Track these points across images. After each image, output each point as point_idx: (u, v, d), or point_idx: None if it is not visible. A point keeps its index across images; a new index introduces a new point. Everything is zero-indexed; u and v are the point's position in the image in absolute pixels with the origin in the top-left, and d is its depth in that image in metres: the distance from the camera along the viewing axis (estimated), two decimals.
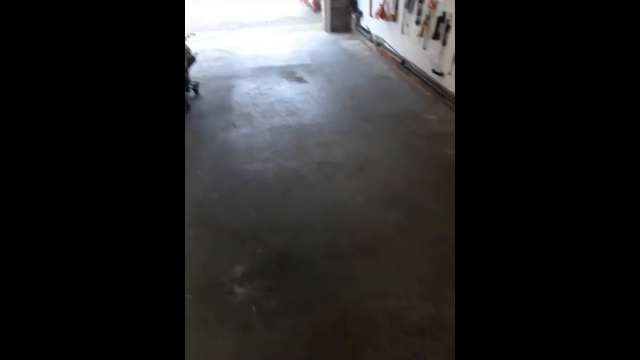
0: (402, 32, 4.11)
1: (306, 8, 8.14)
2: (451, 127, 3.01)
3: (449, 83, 3.32)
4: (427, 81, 3.64)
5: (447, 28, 3.21)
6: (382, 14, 4.48)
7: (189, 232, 2.00)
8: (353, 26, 5.72)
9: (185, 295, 1.64)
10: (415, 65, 3.93)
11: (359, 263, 1.76)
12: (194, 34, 3.74)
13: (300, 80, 4.01)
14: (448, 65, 3.30)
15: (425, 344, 1.41)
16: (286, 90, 3.75)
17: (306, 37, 5.59)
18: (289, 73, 4.18)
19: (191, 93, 3.60)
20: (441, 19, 3.26)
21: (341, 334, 1.44)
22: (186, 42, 3.43)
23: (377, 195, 2.21)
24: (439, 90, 3.46)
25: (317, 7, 7.34)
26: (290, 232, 1.97)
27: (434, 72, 3.51)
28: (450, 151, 2.69)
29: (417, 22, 3.68)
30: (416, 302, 1.57)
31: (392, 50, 4.46)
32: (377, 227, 1.98)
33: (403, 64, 4.14)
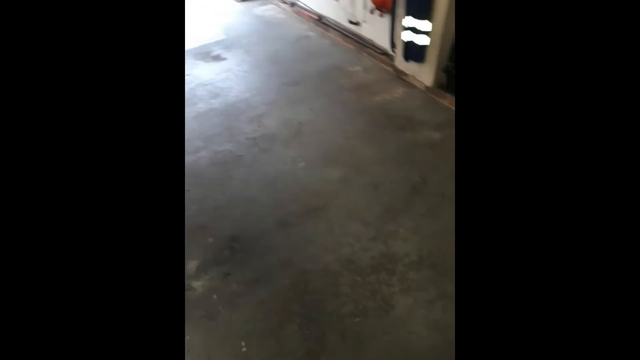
0: None
1: None
2: (376, 75, 3.04)
3: (366, 31, 3.30)
4: (347, 33, 3.59)
5: None
6: None
7: None
8: None
9: None
10: (332, 19, 3.84)
11: (309, 223, 1.79)
12: None
13: (217, 58, 3.76)
14: (361, 13, 3.26)
15: (380, 279, 1.51)
16: (205, 72, 3.51)
17: (216, 11, 5.20)
18: (205, 54, 3.90)
19: None
20: None
21: (303, 293, 1.49)
22: None
23: (316, 157, 2.22)
24: (359, 41, 3.43)
25: None
26: (237, 213, 1.93)
27: (350, 22, 3.46)
28: (378, 98, 2.74)
29: None
30: (367, 244, 1.65)
31: (307, 8, 4.29)
32: (321, 186, 2.01)
33: (320, 20, 4.03)
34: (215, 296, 1.54)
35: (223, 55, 3.80)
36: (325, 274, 1.55)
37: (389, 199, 1.87)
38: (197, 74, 3.50)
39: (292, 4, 4.59)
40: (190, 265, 1.70)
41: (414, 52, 2.65)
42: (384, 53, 3.16)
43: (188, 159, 2.41)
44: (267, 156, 2.30)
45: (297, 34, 4.07)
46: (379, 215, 1.77)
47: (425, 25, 2.44)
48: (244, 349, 1.35)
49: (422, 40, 2.53)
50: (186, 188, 2.16)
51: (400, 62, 2.90)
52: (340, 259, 1.60)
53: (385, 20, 2.97)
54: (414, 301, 1.43)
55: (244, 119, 2.70)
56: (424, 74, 2.72)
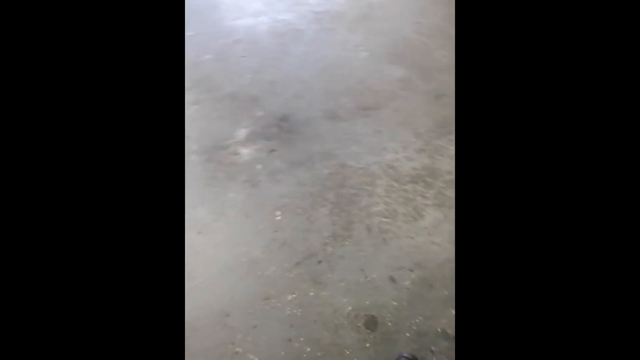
0: None
1: None
2: None
3: None
4: None
5: None
6: None
7: (188, 97, 1.91)
8: None
9: (193, 156, 1.69)
10: None
11: (358, 122, 1.70)
12: None
13: None
14: None
15: (416, 190, 1.49)
16: None
17: None
18: None
19: None
20: None
21: (340, 185, 1.52)
22: None
23: (380, 48, 1.95)
24: None
25: None
26: (290, 93, 1.84)
27: None
28: None
29: None
30: (412, 154, 1.58)
31: None
32: (380, 84, 1.82)
33: None
34: (259, 166, 1.61)
35: None
36: (364, 173, 1.54)
37: (448, 113, 1.69)
38: None
39: None
40: (240, 133, 1.73)
41: None
42: None
43: (247, 22, 2.19)
44: (329, 36, 2.04)
45: None
46: (432, 129, 1.63)
47: None
48: (278, 218, 1.47)
49: None
50: (242, 54, 2.04)
51: None
52: (381, 163, 1.56)
53: None
54: (444, 217, 1.44)
55: None
56: None
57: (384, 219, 1.43)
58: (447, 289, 1.25)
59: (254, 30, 2.14)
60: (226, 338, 1.23)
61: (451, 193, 1.49)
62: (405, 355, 1.15)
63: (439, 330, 1.17)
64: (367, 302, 1.22)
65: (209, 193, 1.57)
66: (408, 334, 1.16)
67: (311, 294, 1.26)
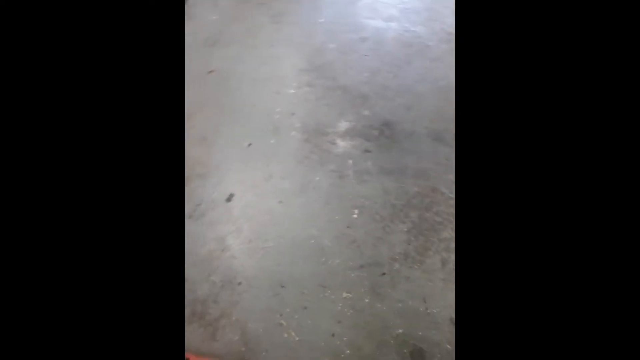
0: None
1: None
2: None
3: None
4: None
5: None
6: None
7: (304, 78, 2.00)
8: None
9: (293, 132, 1.76)
10: None
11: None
12: None
13: None
14: None
15: None
16: None
17: None
18: None
19: None
20: None
21: (426, 208, 1.47)
22: None
23: None
24: None
25: None
26: (400, 101, 1.83)
27: None
28: None
29: None
30: None
31: None
32: None
33: None
34: (350, 162, 1.63)
35: None
36: (454, 205, 1.47)
37: None
38: None
39: None
40: (342, 124, 1.76)
41: None
42: None
43: (378, 24, 2.22)
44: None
45: None
46: None
47: None
48: (354, 216, 1.47)
49: None
50: (365, 52, 2.07)
51: None
52: None
53: None
54: None
55: (451, 6, 2.25)
56: None
57: None
58: None
59: (382, 33, 2.16)
60: (275, 307, 1.27)
61: None
62: None
63: None
64: (420, 333, 1.17)
65: (298, 169, 1.63)
66: None
67: (366, 300, 1.24)
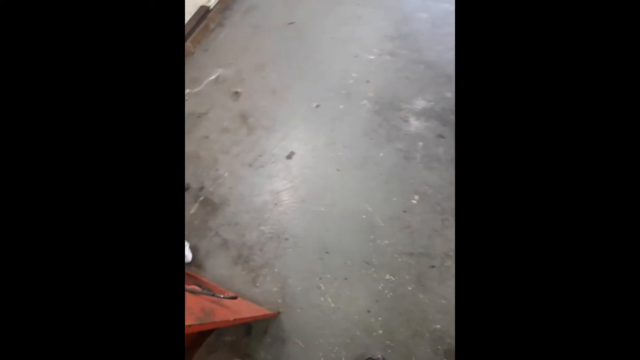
0: None
1: None
2: None
3: None
4: None
5: None
6: None
7: (387, 45, 1.88)
8: None
9: (364, 101, 1.69)
10: None
11: None
12: None
13: None
14: None
15: None
16: None
17: None
18: None
19: None
20: None
21: None
22: None
23: None
24: None
25: None
26: None
27: None
28: None
29: None
30: None
31: None
32: None
33: None
34: (421, 144, 1.54)
35: None
36: None
37: None
38: None
39: None
40: (419, 103, 1.65)
41: None
42: None
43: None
44: None
45: None
46: None
47: None
48: (413, 201, 1.41)
49: None
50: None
51: None
52: None
53: None
54: None
55: None
56: None
57: None
58: None
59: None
60: (316, 270, 1.30)
61: None
62: (375, 358, 1.11)
63: None
64: None
65: (362, 141, 1.58)
66: None
67: (409, 288, 1.22)
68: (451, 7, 2.00)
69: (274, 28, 2.11)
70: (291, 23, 2.10)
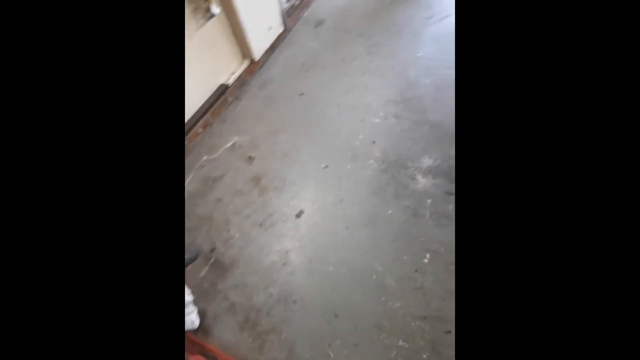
0: None
1: None
2: None
3: None
4: None
5: None
6: None
7: (392, 109, 2.03)
8: None
9: (371, 161, 1.78)
10: None
11: None
12: None
13: None
14: None
15: None
16: None
17: None
18: None
19: None
20: None
21: None
22: None
23: None
24: None
25: None
26: None
27: None
28: None
29: None
30: None
31: None
32: None
33: None
34: (429, 201, 1.56)
35: None
36: None
37: None
38: None
39: None
40: (425, 161, 1.72)
41: None
42: None
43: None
44: None
45: None
46: None
47: None
48: (425, 260, 1.39)
49: None
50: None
51: None
52: None
53: None
54: None
55: None
56: None
57: None
58: None
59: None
60: (325, 335, 1.26)
61: None
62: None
63: None
64: None
65: (370, 198, 1.63)
66: None
67: (424, 356, 1.14)
68: (452, 72, 2.18)
69: (286, 99, 2.35)
70: (302, 94, 2.34)
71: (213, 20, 2.14)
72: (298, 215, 1.66)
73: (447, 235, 1.43)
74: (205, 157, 2.11)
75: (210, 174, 1.99)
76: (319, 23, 2.90)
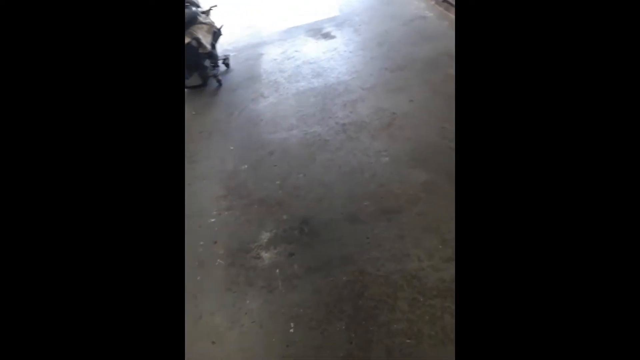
0: None
1: None
2: None
3: None
4: None
5: None
6: None
7: (222, 203, 2.14)
8: None
9: (218, 260, 1.79)
10: None
11: (380, 225, 1.72)
12: (216, 5, 3.69)
13: (327, 36, 3.77)
14: None
15: (445, 306, 1.37)
16: (312, 50, 3.57)
17: None
18: (316, 30, 3.95)
19: (222, 67, 3.63)
20: None
21: (358, 295, 1.47)
22: (210, 17, 3.41)
23: (402, 154, 2.08)
24: None
25: None
26: (313, 197, 1.98)
27: None
28: None
29: None
30: (438, 264, 1.50)
31: None
32: (402, 187, 1.88)
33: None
34: (277, 271, 1.64)
35: (332, 34, 3.79)
36: (385, 283, 1.48)
37: None
38: (305, 52, 3.59)
39: None
40: (263, 237, 1.83)
41: None
42: None
43: (281, 135, 2.54)
44: (353, 145, 2.26)
45: (412, 13, 3.76)
46: None
47: None
48: (291, 330, 1.42)
49: None
50: (274, 163, 2.31)
51: None
52: (404, 271, 1.50)
53: None
54: None
55: (339, 103, 2.68)
56: None
57: (407, 341, 1.30)
58: None
59: (286, 141, 2.46)
60: None
61: None
62: None
63: None
64: None
65: (227, 299, 1.61)
66: None
67: None
68: (264, 151, 2.49)
69: None
70: None
71: None
72: None
73: (300, 294, 1.52)
74: None
75: None
76: None
